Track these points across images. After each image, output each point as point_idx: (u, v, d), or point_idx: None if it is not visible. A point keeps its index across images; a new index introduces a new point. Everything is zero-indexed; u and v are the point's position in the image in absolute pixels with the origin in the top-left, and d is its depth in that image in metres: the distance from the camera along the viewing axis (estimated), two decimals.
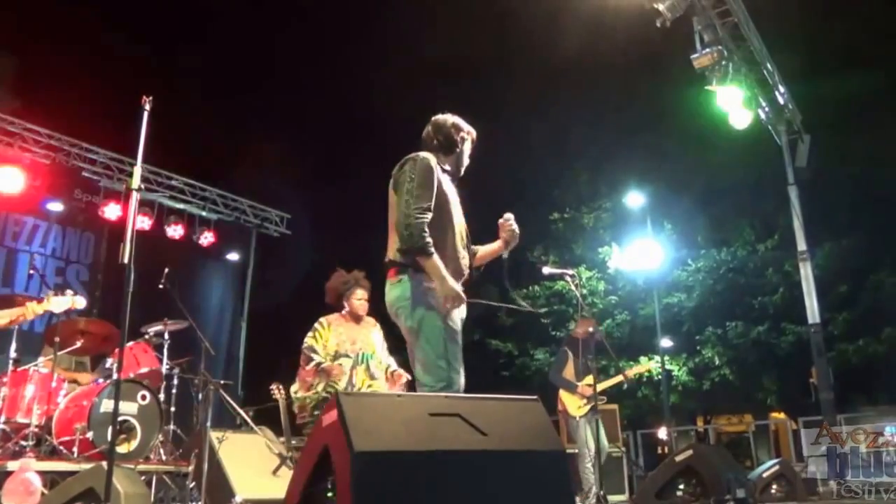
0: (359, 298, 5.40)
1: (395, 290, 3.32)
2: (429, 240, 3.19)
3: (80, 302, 4.47)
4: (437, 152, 3.55)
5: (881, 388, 15.43)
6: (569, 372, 7.07)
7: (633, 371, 7.77)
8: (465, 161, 3.68)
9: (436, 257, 3.20)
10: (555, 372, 7.18)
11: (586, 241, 18.76)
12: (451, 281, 3.20)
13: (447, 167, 3.56)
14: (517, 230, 3.68)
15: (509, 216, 3.68)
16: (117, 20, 14.87)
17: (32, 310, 3.98)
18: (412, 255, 3.22)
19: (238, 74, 17.96)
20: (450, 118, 3.67)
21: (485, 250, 3.70)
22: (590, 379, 6.80)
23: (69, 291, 4.43)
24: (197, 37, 16.28)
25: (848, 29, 14.26)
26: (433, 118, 3.69)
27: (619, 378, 7.47)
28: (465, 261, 3.42)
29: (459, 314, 3.32)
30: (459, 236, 3.42)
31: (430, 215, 3.24)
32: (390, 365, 5.48)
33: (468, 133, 3.68)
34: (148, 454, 5.93)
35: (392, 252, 3.36)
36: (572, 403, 6.96)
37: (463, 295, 3.24)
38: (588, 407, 6.84)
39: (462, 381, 3.26)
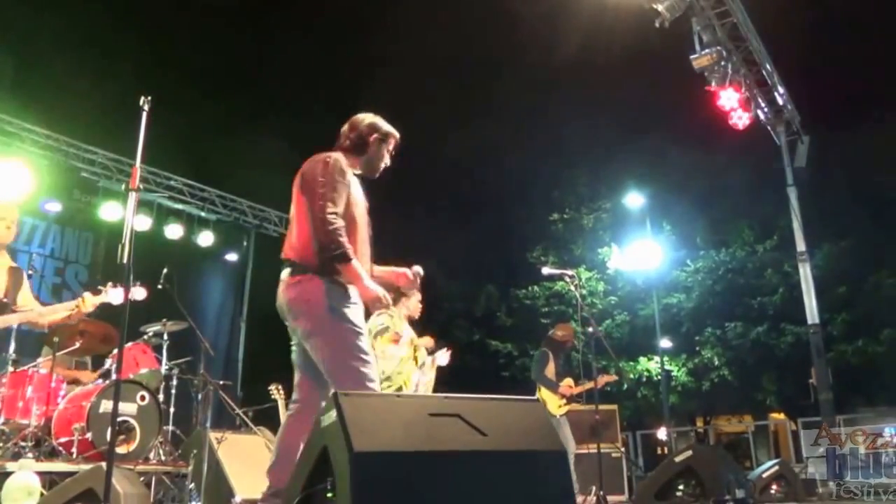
0: (418, 300, 5.31)
1: (295, 290, 3.27)
2: (348, 245, 3.18)
3: (140, 293, 4.36)
4: (347, 153, 3.49)
5: (880, 389, 15.43)
6: (549, 372, 7.21)
7: (604, 379, 7.82)
8: (380, 164, 3.58)
9: (355, 262, 3.20)
10: (539, 371, 7.27)
11: (586, 242, 18.80)
12: (371, 283, 3.22)
13: (357, 170, 3.50)
14: (415, 287, 3.70)
15: (419, 272, 3.67)
16: (116, 20, 14.87)
17: (90, 301, 3.93)
18: (332, 261, 3.19)
19: (237, 74, 17.97)
20: (368, 118, 3.59)
21: (380, 272, 3.63)
22: (569, 380, 7.21)
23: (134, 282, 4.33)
24: (196, 36, 16.26)
25: (845, 28, 14.27)
26: (352, 117, 3.61)
27: (590, 384, 7.50)
28: (367, 266, 3.39)
29: (359, 316, 3.28)
30: (363, 235, 3.39)
31: (341, 219, 3.22)
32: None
33: (385, 135, 3.57)
34: (147, 455, 5.92)
35: (297, 252, 3.32)
36: (553, 402, 7.08)
37: (385, 294, 3.25)
38: (567, 407, 7.06)
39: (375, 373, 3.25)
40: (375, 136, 3.54)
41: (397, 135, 3.62)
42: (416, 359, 5.17)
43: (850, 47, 14.95)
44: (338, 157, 3.39)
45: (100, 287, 3.88)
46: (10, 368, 5.67)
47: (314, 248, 3.24)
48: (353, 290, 3.28)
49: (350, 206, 3.31)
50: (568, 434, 6.94)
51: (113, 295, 4.11)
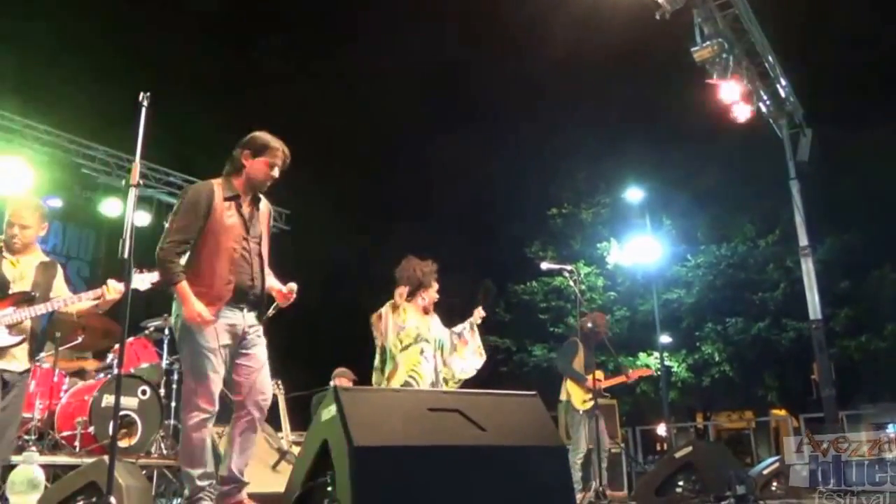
0: (435, 291, 5.23)
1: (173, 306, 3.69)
2: (177, 269, 3.55)
3: (155, 277, 4.38)
4: (228, 176, 3.76)
5: (883, 385, 15.40)
6: (577, 364, 6.89)
7: (636, 373, 7.70)
8: (260, 175, 3.74)
9: (182, 283, 3.52)
10: (565, 361, 6.94)
11: (585, 237, 18.75)
12: (194, 304, 3.48)
13: (234, 192, 3.70)
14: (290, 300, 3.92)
15: (293, 288, 3.90)
16: (117, 17, 14.84)
17: (114, 288, 3.94)
18: (164, 284, 3.61)
19: (235, 70, 17.93)
20: (252, 136, 3.78)
21: (270, 284, 3.89)
22: (598, 374, 6.86)
23: (155, 269, 4.33)
24: (194, 33, 16.24)
25: (852, 19, 14.20)
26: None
27: (623, 378, 7.43)
28: (230, 285, 3.61)
29: (214, 333, 3.56)
30: (228, 261, 3.61)
31: (183, 247, 3.59)
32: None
33: (261, 147, 3.74)
34: (149, 448, 5.94)
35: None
36: (578, 396, 6.77)
37: (204, 311, 3.49)
38: (592, 402, 6.70)
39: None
40: (247, 152, 3.73)
41: (276, 146, 3.76)
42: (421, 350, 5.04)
43: (853, 38, 14.86)
44: (198, 186, 3.76)
45: (125, 270, 3.88)
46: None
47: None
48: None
49: (215, 230, 3.61)
50: (586, 430, 6.68)
51: (138, 280, 4.11)
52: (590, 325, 7.13)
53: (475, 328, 5.35)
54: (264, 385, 3.69)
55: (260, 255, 3.77)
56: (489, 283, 16.66)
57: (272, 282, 3.90)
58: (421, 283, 5.16)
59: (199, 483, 3.44)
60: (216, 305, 3.55)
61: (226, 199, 3.67)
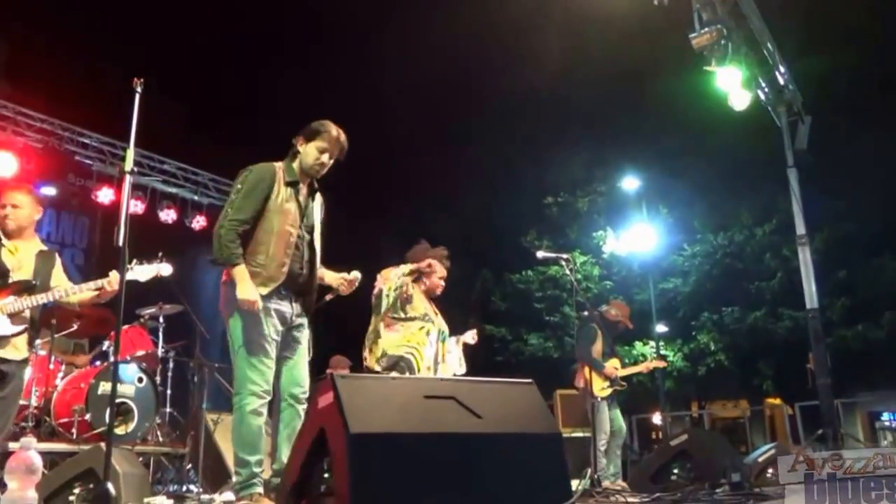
0: (439, 277, 5.16)
1: (222, 289, 3.64)
2: (236, 251, 3.52)
3: (166, 269, 4.36)
4: (289, 160, 3.79)
5: (880, 373, 15.44)
6: (596, 351, 6.90)
7: (654, 363, 7.76)
8: (311, 161, 3.74)
9: (240, 267, 3.50)
10: (584, 347, 6.91)
11: (581, 226, 18.76)
12: (248, 288, 3.46)
13: (294, 177, 3.73)
14: (353, 288, 3.93)
15: (357, 276, 3.94)
16: (110, 2, 14.75)
17: (116, 279, 3.91)
18: (221, 264, 3.56)
19: (229, 58, 17.85)
20: (314, 125, 3.78)
21: (327, 275, 3.93)
22: (615, 361, 6.94)
23: (155, 260, 4.32)
24: (189, 19, 16.14)
25: (852, 6, 14.13)
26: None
27: (641, 367, 7.65)
28: (284, 268, 3.61)
29: (268, 318, 3.56)
30: (284, 245, 3.62)
31: (243, 228, 3.56)
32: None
33: (313, 132, 3.75)
34: (145, 436, 5.95)
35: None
36: (597, 383, 6.75)
37: (258, 299, 3.47)
38: (611, 389, 6.80)
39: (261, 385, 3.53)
40: (301, 138, 3.76)
41: (330, 131, 3.75)
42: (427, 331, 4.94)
43: (853, 25, 14.79)
44: (262, 166, 3.70)
45: (128, 266, 3.88)
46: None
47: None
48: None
49: (270, 211, 3.62)
50: (612, 416, 6.76)
51: (139, 272, 4.12)
52: (613, 312, 7.19)
53: (460, 342, 5.28)
54: (302, 377, 3.71)
55: (311, 245, 3.78)
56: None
57: (330, 274, 3.93)
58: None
59: (255, 469, 3.45)
60: (268, 287, 3.55)
61: (286, 184, 3.68)
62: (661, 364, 7.83)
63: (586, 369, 6.67)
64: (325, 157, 3.75)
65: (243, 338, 3.52)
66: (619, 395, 7.01)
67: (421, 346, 4.81)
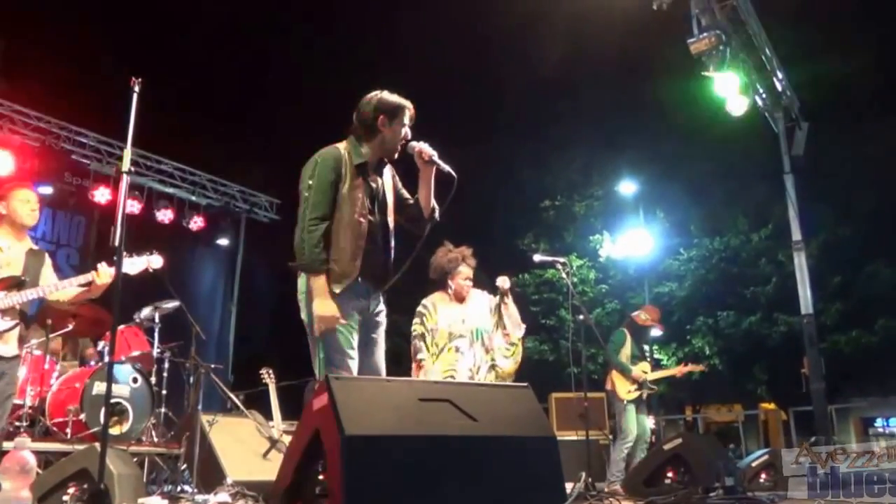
0: (464, 278, 5.02)
1: (299, 281, 3.39)
2: (320, 257, 3.25)
3: (157, 261, 4.32)
4: (358, 140, 3.48)
5: (873, 379, 15.46)
6: (624, 355, 7.05)
7: (687, 368, 7.83)
8: (396, 141, 3.47)
9: (321, 278, 3.25)
10: (614, 351, 7.09)
11: (577, 230, 18.72)
12: (325, 304, 3.22)
13: (363, 159, 3.43)
14: (426, 151, 3.48)
15: (415, 145, 3.50)
16: (107, 1, 14.72)
17: (105, 272, 3.90)
18: (303, 270, 3.31)
19: (227, 58, 17.82)
20: (376, 96, 3.49)
21: (422, 195, 3.59)
22: (644, 365, 7.06)
23: (145, 252, 4.28)
24: (186, 19, 16.12)
25: (850, 13, 14.17)
26: (362, 99, 3.51)
27: (676, 370, 7.82)
28: (357, 261, 3.34)
29: (350, 329, 3.32)
30: (355, 236, 3.35)
31: (324, 224, 3.29)
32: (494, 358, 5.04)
33: (393, 111, 3.46)
34: (140, 436, 5.95)
35: (295, 246, 3.39)
36: (623, 387, 6.92)
37: (337, 315, 3.23)
38: (638, 393, 6.92)
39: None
40: (382, 116, 3.43)
41: (408, 105, 3.50)
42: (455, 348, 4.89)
43: (853, 30, 14.82)
44: (327, 152, 3.42)
45: (115, 258, 3.87)
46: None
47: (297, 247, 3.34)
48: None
49: (341, 200, 3.34)
50: (633, 421, 6.85)
51: (129, 264, 4.09)
52: (643, 316, 7.36)
53: (507, 299, 5.14)
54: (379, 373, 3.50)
55: (386, 226, 3.50)
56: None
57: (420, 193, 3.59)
58: (445, 272, 5.04)
59: None
60: (342, 283, 3.29)
61: (355, 168, 3.41)
62: (698, 368, 7.90)
63: (613, 372, 6.91)
64: (406, 132, 3.48)
65: (324, 351, 3.28)
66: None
67: (454, 365, 4.80)
